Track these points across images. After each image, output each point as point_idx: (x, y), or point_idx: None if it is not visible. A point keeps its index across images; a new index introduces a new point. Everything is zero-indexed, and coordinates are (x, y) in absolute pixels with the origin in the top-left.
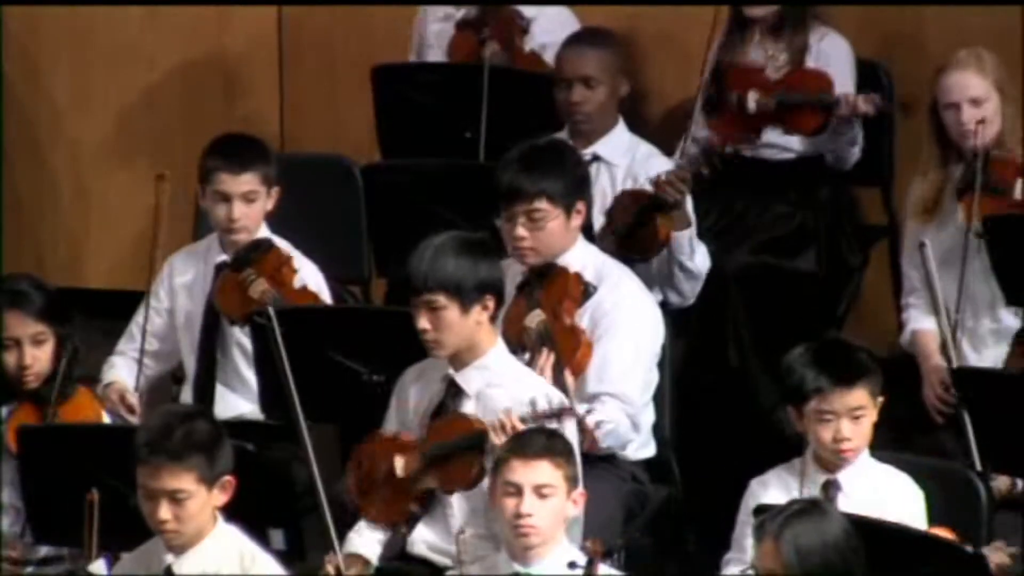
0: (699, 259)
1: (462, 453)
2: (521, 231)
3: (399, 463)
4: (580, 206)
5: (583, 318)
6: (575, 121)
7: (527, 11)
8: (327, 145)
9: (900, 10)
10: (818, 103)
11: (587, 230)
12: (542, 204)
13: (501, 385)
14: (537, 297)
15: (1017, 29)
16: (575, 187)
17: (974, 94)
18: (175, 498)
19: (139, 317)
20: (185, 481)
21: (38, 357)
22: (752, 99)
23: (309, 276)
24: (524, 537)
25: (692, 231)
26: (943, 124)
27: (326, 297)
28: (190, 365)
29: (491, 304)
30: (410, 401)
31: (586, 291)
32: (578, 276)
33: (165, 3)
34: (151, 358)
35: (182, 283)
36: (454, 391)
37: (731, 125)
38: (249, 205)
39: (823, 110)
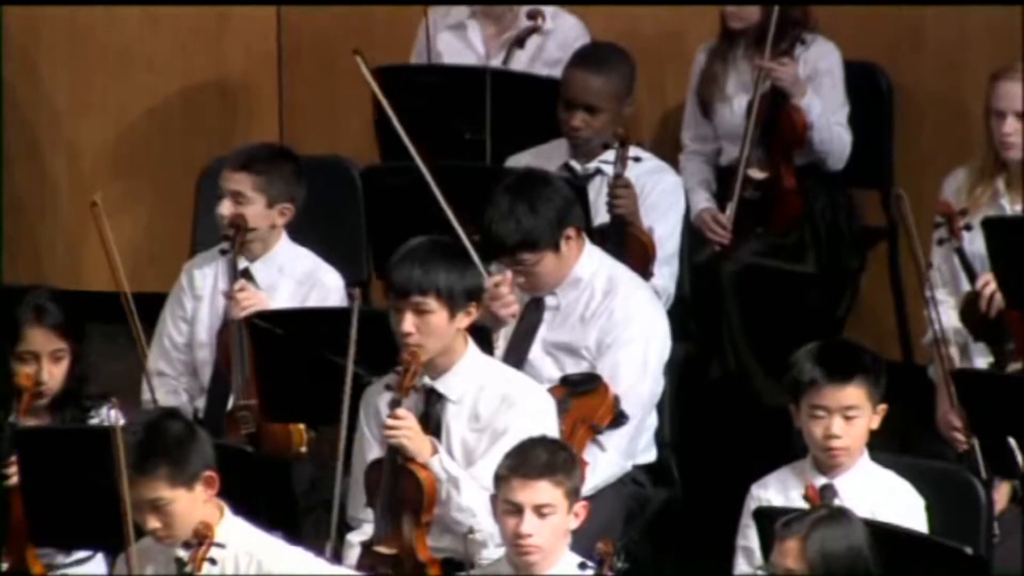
0: (660, 281)
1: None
2: (518, 279)
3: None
4: (570, 232)
5: (593, 331)
6: (574, 143)
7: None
8: (326, 147)
9: (899, 10)
10: None
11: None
12: (525, 254)
13: (484, 387)
14: (571, 402)
15: (1017, 29)
16: (557, 222)
17: (1019, 107)
18: (156, 506)
19: (169, 330)
20: (157, 489)
21: (54, 374)
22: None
23: (330, 284)
24: (525, 555)
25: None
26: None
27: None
28: (206, 374)
29: (473, 311)
30: (383, 415)
31: (615, 419)
32: (615, 402)
33: (165, 3)
34: (188, 374)
35: (203, 290)
36: (435, 399)
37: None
38: (238, 206)
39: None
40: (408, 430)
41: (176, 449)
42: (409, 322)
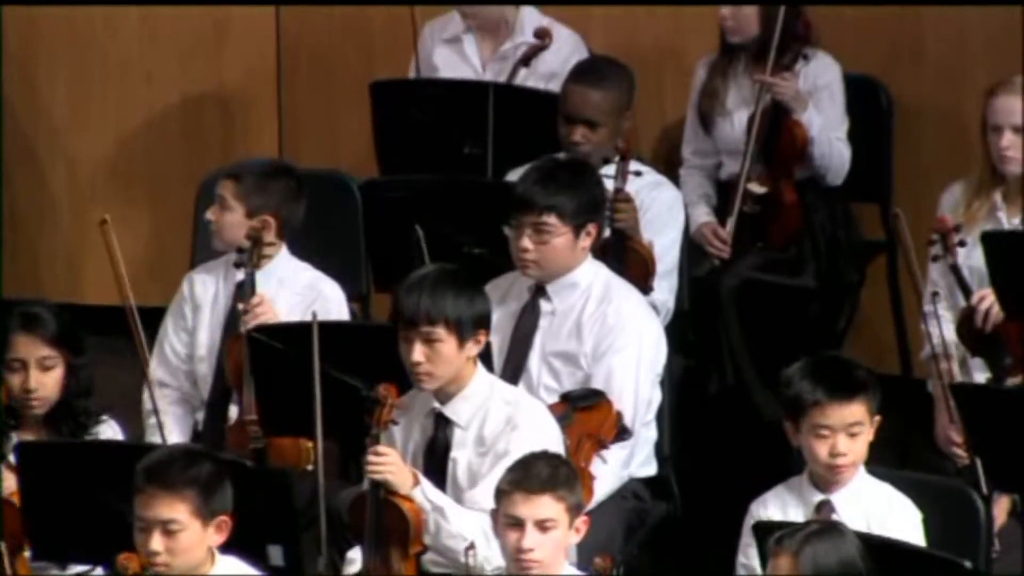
0: (660, 295)
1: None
2: (526, 243)
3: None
4: (591, 228)
5: (588, 338)
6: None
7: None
8: (325, 161)
9: (899, 23)
10: None
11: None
12: (551, 219)
13: (490, 410)
14: (573, 417)
15: (1017, 29)
16: (588, 207)
17: (1018, 121)
18: (168, 529)
19: (171, 339)
20: (178, 511)
21: (44, 382)
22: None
23: (331, 295)
24: (525, 570)
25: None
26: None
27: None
28: (205, 387)
29: (483, 339)
30: (396, 439)
31: (619, 433)
32: (619, 416)
33: (164, 4)
34: (189, 384)
35: (204, 300)
36: (444, 424)
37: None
38: (221, 211)
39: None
40: (390, 464)
41: (208, 482)
42: (419, 351)
